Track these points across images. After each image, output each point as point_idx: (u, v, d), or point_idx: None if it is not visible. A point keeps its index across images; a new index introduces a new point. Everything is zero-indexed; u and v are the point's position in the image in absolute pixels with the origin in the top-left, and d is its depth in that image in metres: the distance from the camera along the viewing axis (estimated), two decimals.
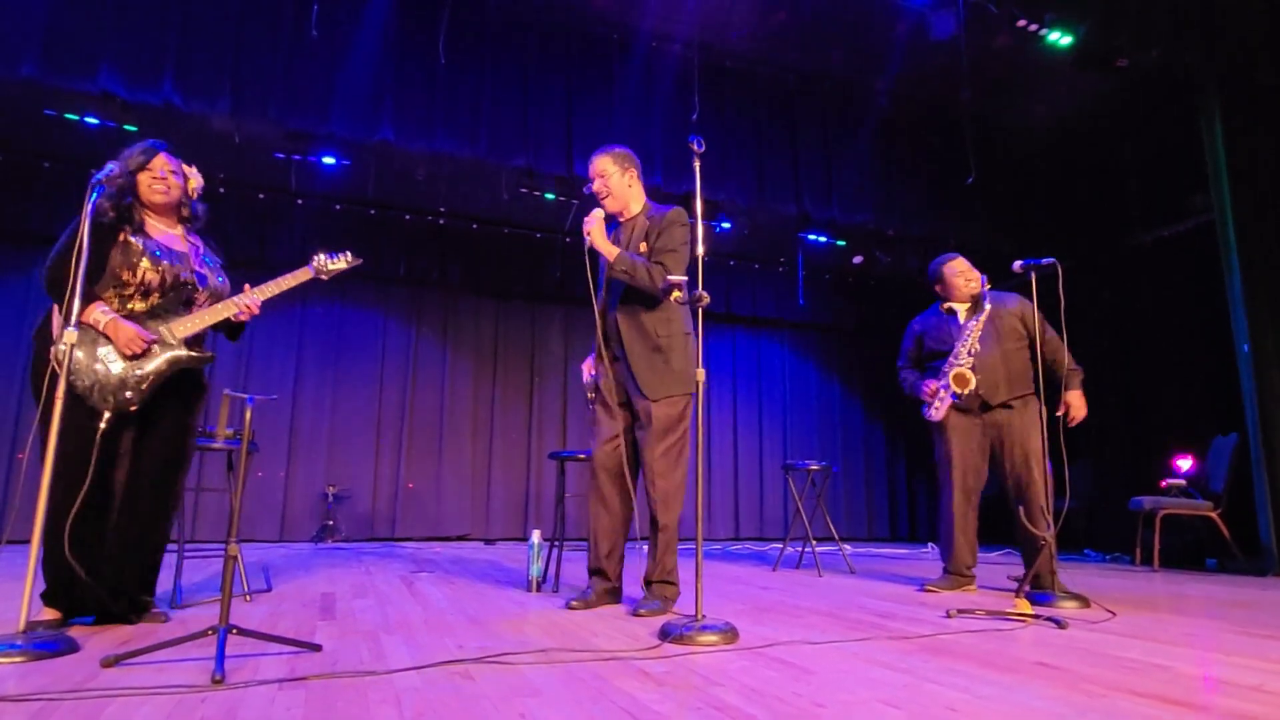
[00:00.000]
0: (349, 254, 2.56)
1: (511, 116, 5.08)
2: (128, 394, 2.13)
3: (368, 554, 5.01)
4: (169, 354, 2.21)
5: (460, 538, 6.58)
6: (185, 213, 2.41)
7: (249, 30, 4.48)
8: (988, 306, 3.46)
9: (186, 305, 2.30)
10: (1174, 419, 5.95)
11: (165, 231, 2.33)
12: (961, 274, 3.52)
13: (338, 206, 6.40)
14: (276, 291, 2.39)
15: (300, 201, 6.23)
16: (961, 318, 3.50)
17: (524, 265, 7.03)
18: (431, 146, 4.88)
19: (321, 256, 2.52)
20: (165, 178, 2.31)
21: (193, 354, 2.27)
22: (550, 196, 5.83)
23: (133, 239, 2.20)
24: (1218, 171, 4.89)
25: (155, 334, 2.19)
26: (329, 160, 5.29)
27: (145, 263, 2.20)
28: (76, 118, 4.62)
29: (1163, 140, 6.06)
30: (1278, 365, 4.62)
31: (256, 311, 2.35)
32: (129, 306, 2.20)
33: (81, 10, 4.10)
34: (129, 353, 2.13)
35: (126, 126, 4.54)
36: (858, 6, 4.82)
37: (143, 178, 2.27)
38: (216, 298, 2.35)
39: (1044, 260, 3.17)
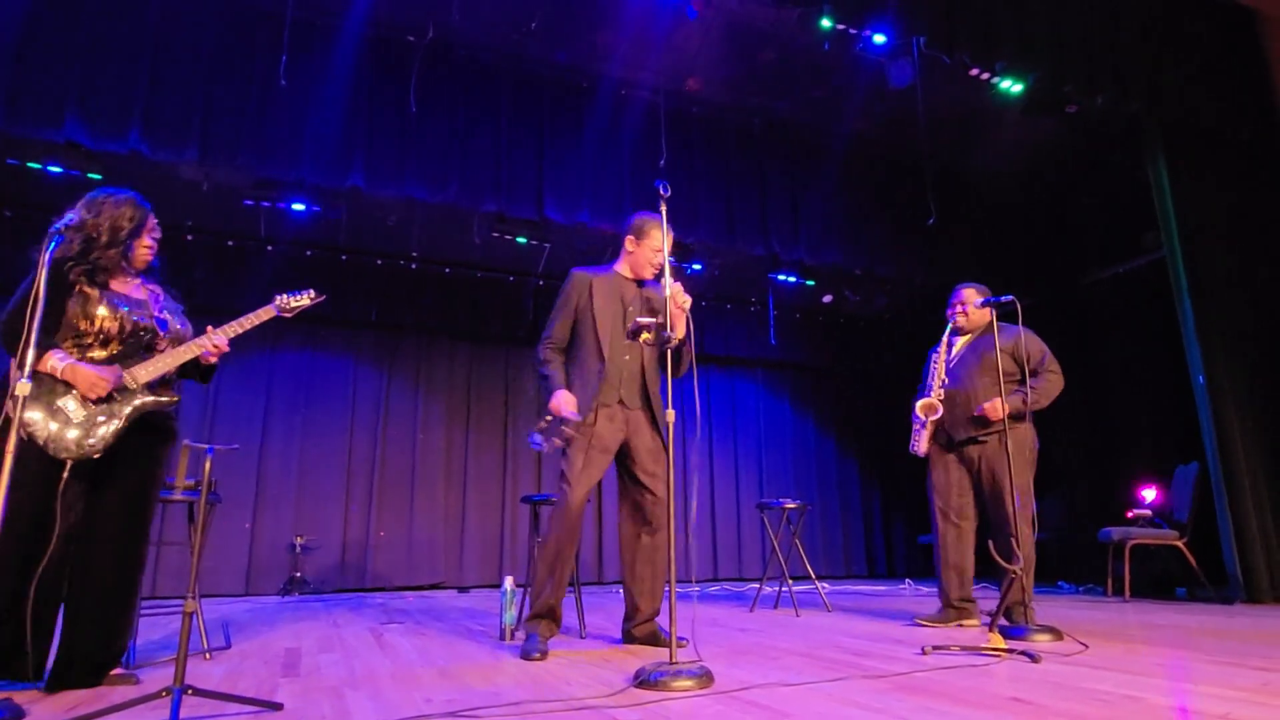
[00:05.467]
0: (311, 291, 2.53)
1: (483, 162, 5.14)
2: (90, 441, 2.07)
3: (337, 606, 4.87)
4: (131, 399, 2.16)
5: (433, 586, 6.43)
6: (151, 264, 2.39)
7: (218, 80, 4.50)
8: (945, 341, 3.51)
9: (148, 352, 2.25)
10: (1138, 449, 6.06)
11: (127, 283, 2.31)
12: (954, 304, 3.58)
13: (309, 252, 6.38)
14: (241, 330, 2.34)
15: (270, 248, 6.20)
16: (956, 347, 3.54)
17: (497, 308, 7.04)
18: (403, 192, 4.91)
19: (285, 296, 2.49)
20: (154, 244, 2.31)
21: (156, 398, 2.21)
22: (522, 240, 5.87)
23: (89, 289, 2.17)
24: (1165, 212, 5.08)
25: (117, 377, 2.14)
26: (299, 207, 5.29)
27: (103, 310, 2.16)
28: (39, 166, 4.58)
29: (1115, 180, 6.30)
30: (1232, 396, 4.76)
31: (225, 349, 2.31)
32: (89, 355, 2.16)
33: (48, 62, 4.09)
34: (93, 396, 2.08)
35: (91, 175, 4.52)
36: (818, 56, 4.99)
37: (137, 242, 2.27)
38: (179, 343, 2.31)
39: (1004, 298, 3.25)
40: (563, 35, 5.11)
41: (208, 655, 2.66)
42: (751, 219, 5.91)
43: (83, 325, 2.15)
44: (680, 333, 2.86)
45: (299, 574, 5.91)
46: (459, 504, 6.75)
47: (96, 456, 2.08)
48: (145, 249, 2.30)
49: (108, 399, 2.12)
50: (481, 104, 5.19)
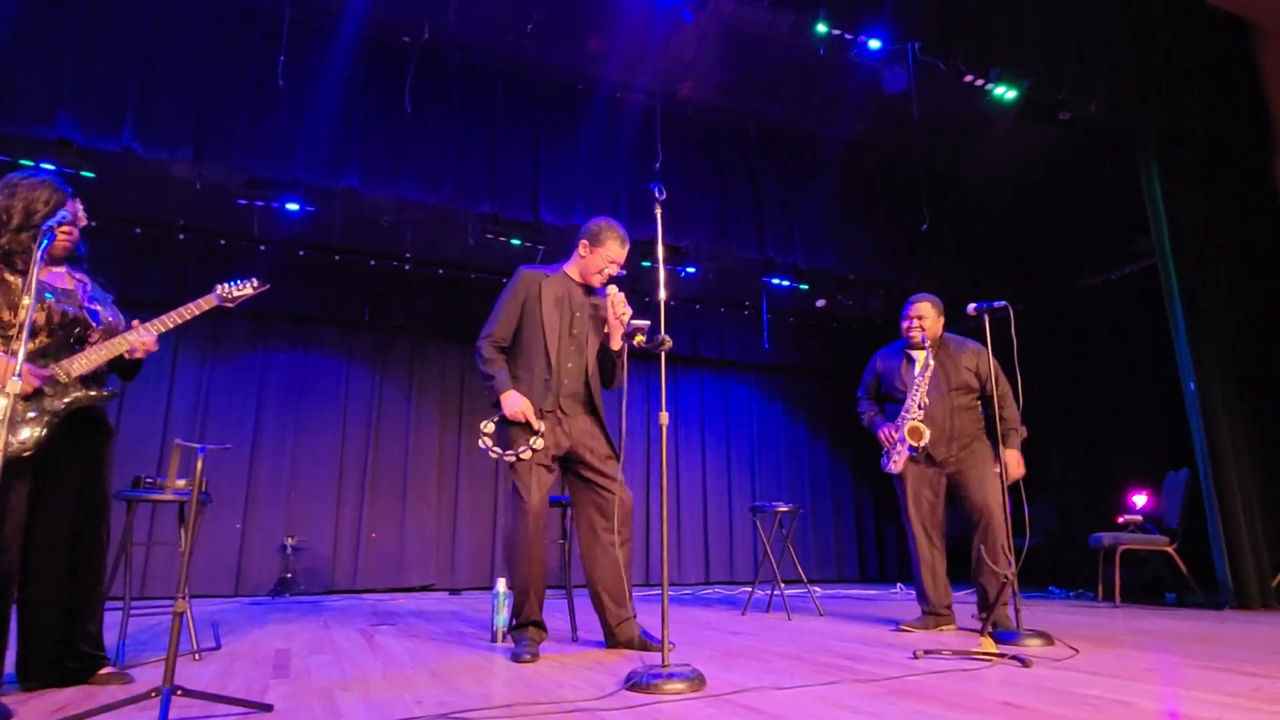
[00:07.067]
0: (254, 280, 2.47)
1: (478, 163, 5.13)
2: (20, 438, 1.99)
3: (327, 607, 4.85)
4: (65, 394, 2.08)
5: (424, 588, 6.41)
6: (73, 252, 2.30)
7: (213, 79, 4.48)
8: (923, 355, 3.49)
9: (79, 344, 2.16)
10: (1129, 455, 6.10)
11: (48, 269, 2.21)
12: (910, 318, 3.55)
13: (301, 252, 6.36)
14: (177, 323, 2.26)
15: (263, 247, 6.17)
16: (918, 365, 3.52)
17: (490, 310, 7.01)
18: (397, 193, 4.90)
19: (226, 285, 2.42)
20: (73, 230, 2.21)
21: (91, 393, 2.14)
22: (517, 242, 5.86)
23: (10, 277, 2.08)
24: (1157, 219, 5.11)
25: (48, 371, 2.07)
26: (293, 206, 5.26)
27: (27, 300, 2.03)
28: (31, 164, 4.54)
29: (1108, 187, 6.34)
30: (1222, 403, 4.79)
31: (153, 348, 2.23)
32: (13, 348, 2.04)
33: (40, 57, 4.07)
34: (17, 390, 1.96)
35: (84, 173, 4.48)
36: (813, 61, 4.99)
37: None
38: (111, 334, 2.23)
39: (996, 303, 3.26)
40: (559, 38, 5.10)
41: (197, 656, 2.64)
42: (746, 222, 5.92)
43: (6, 315, 2.05)
44: (616, 344, 2.86)
45: (290, 575, 5.88)
46: (451, 505, 6.73)
47: (28, 455, 2.00)
48: (63, 235, 2.19)
49: (37, 395, 2.03)
50: (477, 105, 5.18)
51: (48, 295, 2.13)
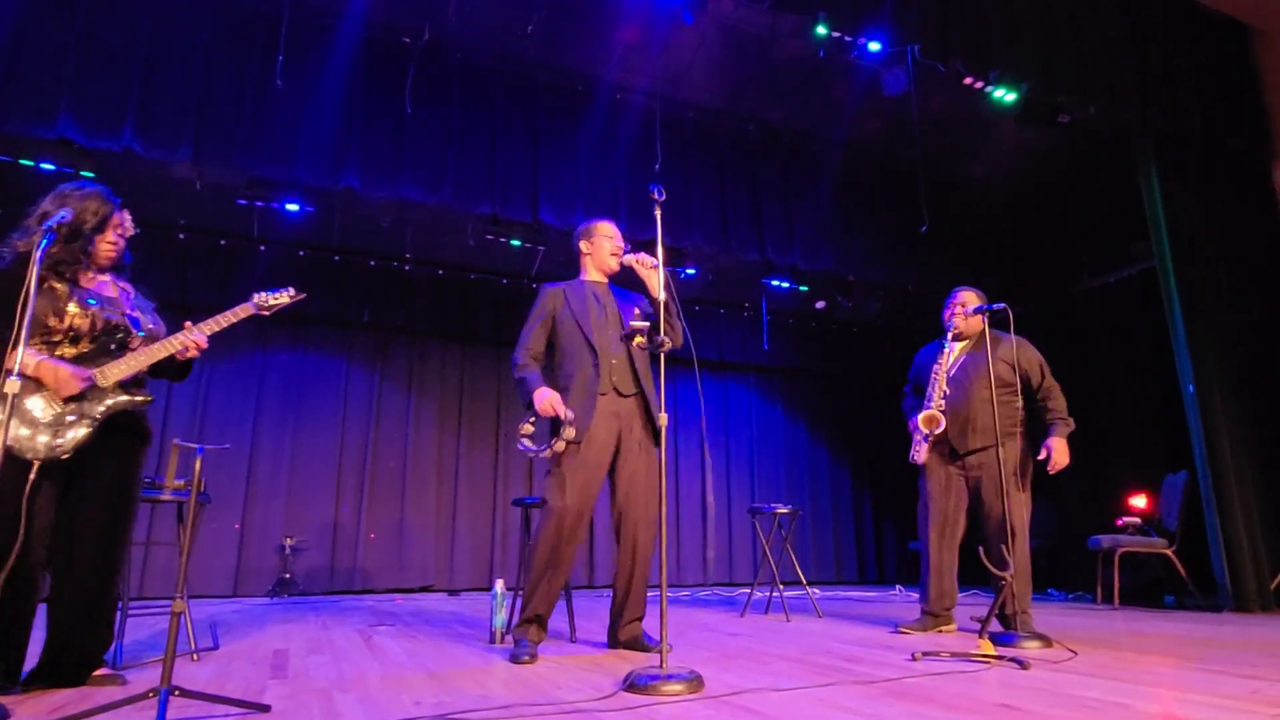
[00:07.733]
0: (291, 289, 2.50)
1: (477, 164, 5.13)
2: (59, 442, 2.01)
3: (326, 608, 4.84)
4: (103, 399, 2.11)
5: (424, 589, 6.41)
6: (119, 261, 2.35)
7: (213, 79, 4.48)
8: (948, 347, 3.52)
9: (120, 350, 2.19)
10: (1128, 457, 6.09)
11: (94, 279, 2.26)
12: (953, 305, 3.57)
13: (301, 252, 6.36)
14: (218, 328, 2.31)
15: (263, 248, 6.17)
16: (954, 354, 3.52)
17: (490, 310, 7.03)
18: (397, 193, 4.90)
19: (263, 293, 2.45)
20: (119, 240, 2.26)
21: (130, 398, 2.16)
22: (516, 243, 5.87)
23: (58, 285, 2.13)
24: (1156, 221, 5.12)
25: (91, 372, 2.09)
26: (293, 207, 5.27)
27: (73, 307, 2.11)
28: (31, 164, 4.55)
29: (1107, 190, 6.34)
30: (1221, 405, 4.79)
31: (205, 346, 2.27)
32: (57, 353, 2.10)
33: (41, 57, 4.07)
34: (65, 394, 2.03)
35: (84, 173, 4.49)
36: (813, 63, 5.00)
37: (99, 238, 2.22)
38: (152, 342, 2.26)
39: (995, 305, 3.26)
40: (559, 39, 5.11)
41: (195, 656, 2.64)
42: (745, 224, 5.92)
43: (52, 322, 2.09)
44: (657, 289, 2.83)
45: (288, 575, 5.88)
46: (450, 506, 6.73)
47: (65, 458, 2.02)
48: (109, 245, 2.25)
49: (78, 398, 2.06)
50: (477, 106, 5.18)
51: (91, 302, 2.17)
